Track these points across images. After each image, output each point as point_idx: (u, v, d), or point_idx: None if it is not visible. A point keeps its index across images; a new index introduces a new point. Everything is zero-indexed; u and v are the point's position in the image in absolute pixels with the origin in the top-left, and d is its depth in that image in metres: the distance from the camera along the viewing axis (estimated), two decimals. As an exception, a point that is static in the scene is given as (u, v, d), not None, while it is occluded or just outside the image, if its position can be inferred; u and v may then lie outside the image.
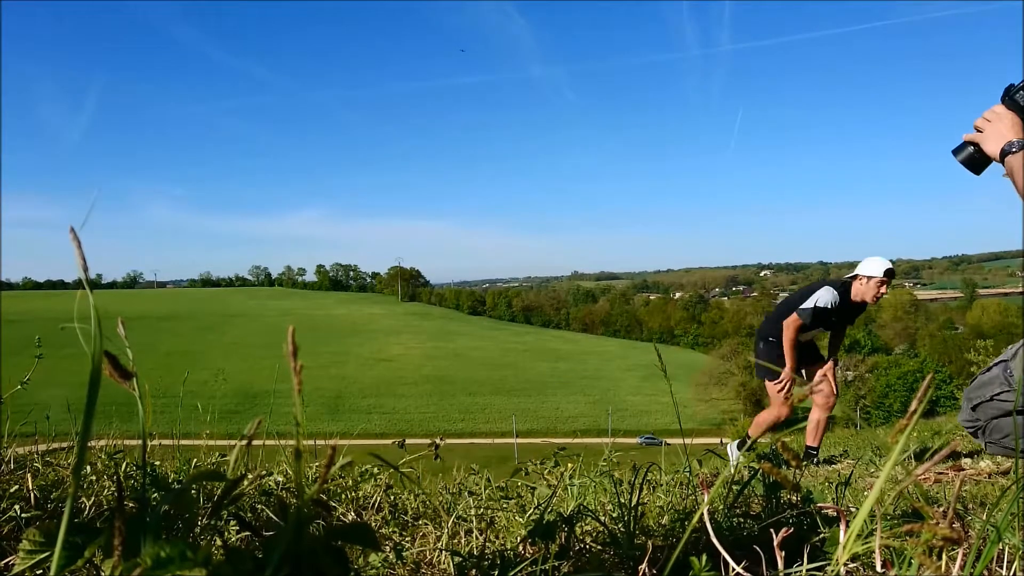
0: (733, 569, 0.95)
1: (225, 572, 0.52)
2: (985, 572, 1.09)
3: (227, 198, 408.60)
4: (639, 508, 1.41)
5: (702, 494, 1.62)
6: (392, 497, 1.82)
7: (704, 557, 0.88)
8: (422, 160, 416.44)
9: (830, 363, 4.83)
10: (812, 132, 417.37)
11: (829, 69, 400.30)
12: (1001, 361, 2.40)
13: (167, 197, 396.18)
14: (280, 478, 1.87)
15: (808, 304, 4.52)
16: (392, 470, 1.74)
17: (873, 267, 4.52)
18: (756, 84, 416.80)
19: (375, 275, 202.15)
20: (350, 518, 1.70)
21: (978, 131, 2.16)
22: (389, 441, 2.22)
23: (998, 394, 2.32)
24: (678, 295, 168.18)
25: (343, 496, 1.79)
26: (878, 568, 0.89)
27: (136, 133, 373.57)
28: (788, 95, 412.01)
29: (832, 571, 0.77)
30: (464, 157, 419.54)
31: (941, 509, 0.98)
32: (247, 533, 1.35)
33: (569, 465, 2.23)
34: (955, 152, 2.26)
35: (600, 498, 1.80)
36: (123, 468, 1.76)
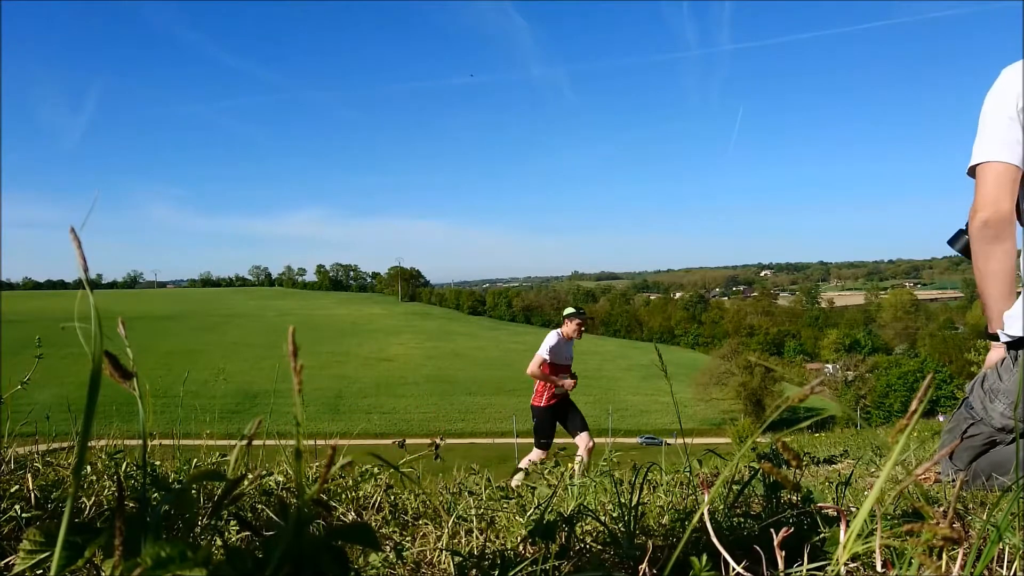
0: (733, 569, 0.95)
1: (225, 572, 0.52)
2: (985, 572, 1.09)
3: (227, 198, 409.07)
4: (639, 508, 1.40)
5: (702, 494, 1.62)
6: (392, 497, 1.82)
7: (704, 557, 0.88)
8: (422, 160, 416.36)
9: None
10: (812, 132, 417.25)
11: (829, 69, 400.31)
12: (964, 401, 2.36)
13: (167, 197, 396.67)
14: (280, 478, 1.87)
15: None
16: (392, 470, 1.74)
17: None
18: (756, 84, 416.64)
19: (375, 275, 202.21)
20: (350, 518, 1.70)
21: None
22: (389, 441, 2.23)
23: (965, 431, 2.26)
24: (678, 295, 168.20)
25: (343, 496, 1.79)
26: (878, 568, 0.89)
27: (136, 133, 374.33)
28: (788, 95, 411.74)
29: (832, 571, 0.77)
30: (464, 157, 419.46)
31: (941, 509, 0.98)
32: (247, 533, 1.35)
33: (569, 465, 2.23)
34: (951, 242, 2.28)
35: (600, 498, 1.80)
36: (123, 468, 1.76)
